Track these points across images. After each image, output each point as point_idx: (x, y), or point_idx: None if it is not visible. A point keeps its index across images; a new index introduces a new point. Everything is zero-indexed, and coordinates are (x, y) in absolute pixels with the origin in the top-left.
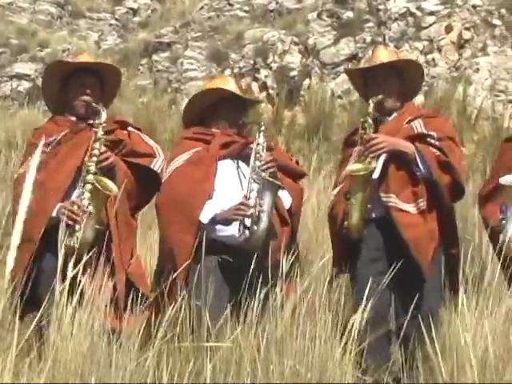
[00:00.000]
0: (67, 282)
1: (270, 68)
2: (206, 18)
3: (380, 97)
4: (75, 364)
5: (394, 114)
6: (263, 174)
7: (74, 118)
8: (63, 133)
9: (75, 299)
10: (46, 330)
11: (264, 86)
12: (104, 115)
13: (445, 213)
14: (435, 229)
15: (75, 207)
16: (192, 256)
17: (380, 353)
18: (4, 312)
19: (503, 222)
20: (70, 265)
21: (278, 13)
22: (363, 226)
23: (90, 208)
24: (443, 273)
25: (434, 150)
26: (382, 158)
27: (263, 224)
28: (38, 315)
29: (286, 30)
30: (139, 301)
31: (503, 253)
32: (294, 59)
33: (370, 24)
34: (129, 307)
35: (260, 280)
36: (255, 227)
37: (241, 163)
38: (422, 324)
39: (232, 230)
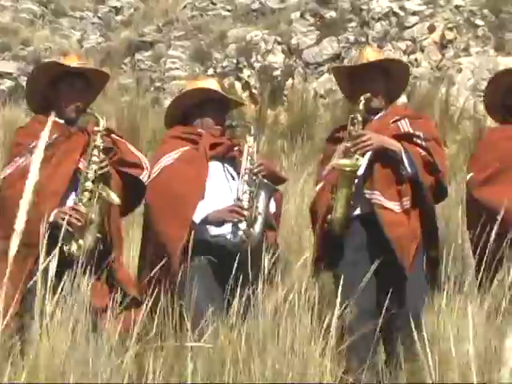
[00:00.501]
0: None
1: (253, 67)
2: (189, 17)
3: (368, 95)
4: (56, 363)
5: (380, 114)
6: (257, 177)
7: (62, 121)
8: (54, 136)
9: (55, 299)
10: (28, 329)
11: (247, 86)
12: (103, 123)
13: (427, 213)
14: (417, 228)
15: (76, 213)
16: (182, 249)
17: (363, 352)
18: None
19: None
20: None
21: (261, 12)
22: (346, 222)
23: (93, 216)
24: (425, 272)
25: (420, 151)
26: (368, 154)
27: (259, 226)
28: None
29: (269, 30)
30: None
31: None
32: (277, 59)
33: (353, 24)
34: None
35: (246, 281)
36: (251, 229)
37: (226, 165)
38: (405, 323)
39: (223, 231)
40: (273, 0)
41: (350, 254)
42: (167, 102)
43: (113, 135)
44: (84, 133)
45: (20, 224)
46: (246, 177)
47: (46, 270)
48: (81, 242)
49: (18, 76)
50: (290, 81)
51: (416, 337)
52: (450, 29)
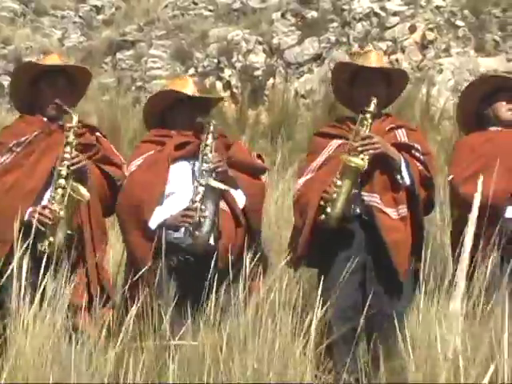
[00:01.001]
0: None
1: (234, 67)
2: (171, 16)
3: (376, 98)
4: (37, 363)
5: (375, 120)
6: (206, 179)
7: (45, 119)
8: (35, 133)
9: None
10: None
11: (228, 86)
12: (75, 119)
13: (417, 225)
14: (410, 237)
15: (47, 211)
16: (151, 257)
17: (343, 352)
18: None
19: None
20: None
21: (242, 12)
22: (342, 218)
23: (61, 213)
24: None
25: (418, 164)
26: (367, 157)
27: (205, 229)
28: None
29: (250, 30)
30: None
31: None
32: (258, 59)
33: (335, 24)
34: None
35: (214, 280)
36: (197, 233)
37: (197, 164)
38: (386, 323)
39: (180, 235)
40: (254, 0)
41: (339, 254)
42: None
43: (97, 133)
44: (63, 130)
45: None
46: (200, 178)
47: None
48: (51, 239)
49: None
50: (271, 81)
51: (396, 337)
52: (431, 29)
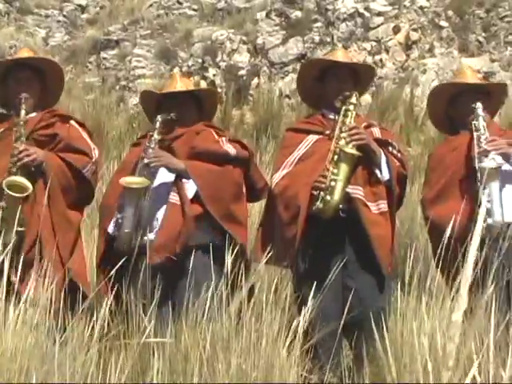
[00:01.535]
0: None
1: (219, 67)
2: (155, 15)
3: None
4: (19, 362)
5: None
6: (124, 180)
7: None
8: (1, 130)
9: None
10: None
11: (212, 85)
12: (23, 113)
13: (393, 219)
14: (390, 232)
15: None
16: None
17: (327, 351)
18: None
19: (488, 205)
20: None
21: (226, 12)
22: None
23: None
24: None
25: (395, 160)
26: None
27: (126, 230)
28: None
29: (234, 29)
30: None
31: (489, 236)
32: (243, 58)
33: (319, 24)
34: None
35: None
36: (117, 232)
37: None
38: (369, 323)
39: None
40: None
41: (319, 250)
42: (132, 101)
43: (72, 121)
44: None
45: None
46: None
47: None
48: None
49: None
50: (255, 80)
51: (377, 337)
52: (415, 30)
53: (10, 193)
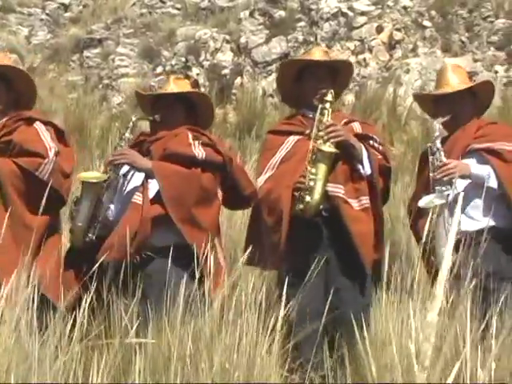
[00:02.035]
0: None
1: (202, 66)
2: (138, 14)
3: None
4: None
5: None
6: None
7: None
8: None
9: None
10: None
11: (196, 84)
12: None
13: (377, 214)
14: (373, 228)
15: None
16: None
17: (309, 351)
18: None
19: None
20: None
21: (210, 11)
22: (319, 207)
23: None
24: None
25: (377, 153)
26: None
27: (79, 224)
28: None
29: (218, 28)
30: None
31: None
32: (226, 57)
33: (302, 23)
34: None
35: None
36: (71, 226)
37: None
38: (350, 322)
39: None
40: None
41: (302, 249)
42: (115, 100)
43: (37, 123)
44: None
45: None
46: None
47: None
48: None
49: None
50: (238, 79)
51: (359, 336)
52: (398, 29)
53: None
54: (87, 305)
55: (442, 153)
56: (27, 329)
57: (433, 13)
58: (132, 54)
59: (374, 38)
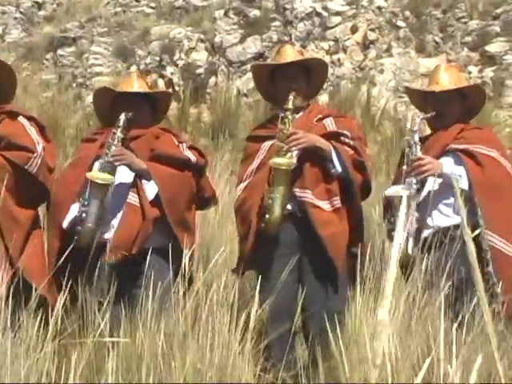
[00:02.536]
0: None
1: (177, 65)
2: (113, 13)
3: (294, 93)
4: None
5: (301, 113)
6: (89, 174)
7: None
8: None
9: None
10: None
11: (170, 83)
12: None
13: (355, 212)
14: (347, 228)
15: None
16: (55, 256)
17: (282, 350)
18: None
19: (392, 233)
20: None
21: (184, 10)
22: (282, 221)
23: None
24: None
25: (348, 149)
26: (295, 153)
27: (89, 225)
28: None
29: (192, 28)
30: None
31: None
32: (201, 57)
33: (277, 23)
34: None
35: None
36: (79, 227)
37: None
38: (324, 322)
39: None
40: None
41: (276, 252)
42: (90, 99)
43: (20, 117)
44: None
45: None
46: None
47: None
48: None
49: None
50: (213, 79)
51: (332, 336)
52: (373, 30)
53: None
54: (61, 304)
55: (418, 147)
56: None
57: (407, 13)
58: (106, 52)
59: (349, 38)
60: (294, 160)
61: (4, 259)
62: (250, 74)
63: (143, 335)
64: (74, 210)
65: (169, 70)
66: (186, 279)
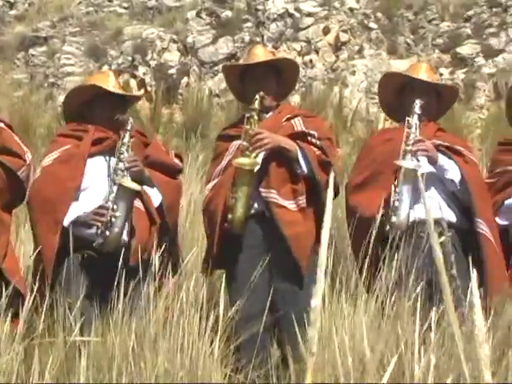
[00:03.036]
0: None
1: (149, 65)
2: (85, 13)
3: (262, 93)
4: None
5: (270, 113)
6: (119, 178)
7: None
8: None
9: None
10: None
11: (142, 83)
12: None
13: (321, 211)
14: (313, 227)
15: None
16: (55, 255)
17: (253, 350)
18: None
19: (396, 203)
20: None
21: (157, 10)
22: (246, 221)
23: None
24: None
25: (315, 149)
26: (262, 153)
27: (116, 229)
28: None
29: (165, 28)
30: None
31: (392, 233)
32: (173, 57)
33: (249, 24)
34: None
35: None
36: (107, 232)
37: (113, 160)
38: (293, 323)
39: (92, 232)
40: None
41: (245, 250)
42: (61, 98)
43: (1, 124)
44: None
45: None
46: (115, 176)
47: None
48: None
49: None
50: (185, 79)
51: (301, 337)
52: (345, 31)
53: None
54: (30, 304)
55: (419, 130)
56: None
57: (379, 15)
58: (78, 52)
59: (321, 40)
60: (259, 160)
61: None
62: (222, 75)
63: (114, 335)
64: (76, 209)
65: (141, 70)
66: (157, 280)
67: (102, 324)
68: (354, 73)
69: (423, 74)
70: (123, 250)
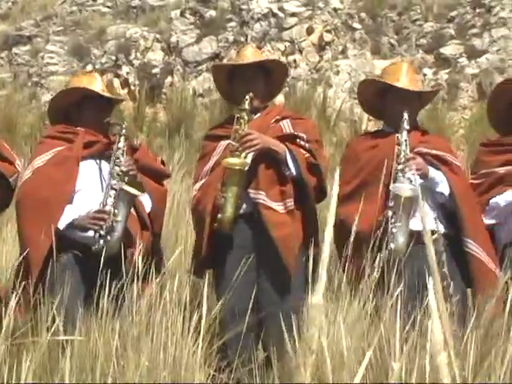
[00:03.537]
0: None
1: (132, 65)
2: (68, 12)
3: (251, 94)
4: None
5: (258, 114)
6: (116, 182)
7: None
8: None
9: None
10: None
11: (126, 83)
12: None
13: (309, 214)
14: (301, 229)
15: None
16: (45, 256)
17: (237, 350)
18: None
19: (394, 230)
20: None
21: (140, 9)
22: (235, 221)
23: None
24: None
25: (303, 152)
26: (251, 154)
27: (117, 234)
28: None
29: (148, 27)
30: None
31: (392, 258)
32: (157, 56)
33: (233, 23)
34: None
35: (113, 279)
36: (108, 237)
37: (103, 164)
38: (279, 322)
39: (88, 236)
40: None
41: (233, 252)
42: (45, 98)
43: None
44: None
45: None
46: (112, 181)
47: None
48: None
49: None
50: (169, 79)
51: (287, 337)
52: (329, 31)
53: None
54: (14, 303)
55: (408, 147)
56: None
57: (363, 15)
58: (62, 51)
59: (305, 40)
60: (248, 160)
61: None
62: (205, 75)
63: (98, 335)
64: (71, 213)
65: (124, 69)
66: (140, 279)
67: (85, 323)
68: (337, 73)
69: (403, 77)
70: (121, 253)
